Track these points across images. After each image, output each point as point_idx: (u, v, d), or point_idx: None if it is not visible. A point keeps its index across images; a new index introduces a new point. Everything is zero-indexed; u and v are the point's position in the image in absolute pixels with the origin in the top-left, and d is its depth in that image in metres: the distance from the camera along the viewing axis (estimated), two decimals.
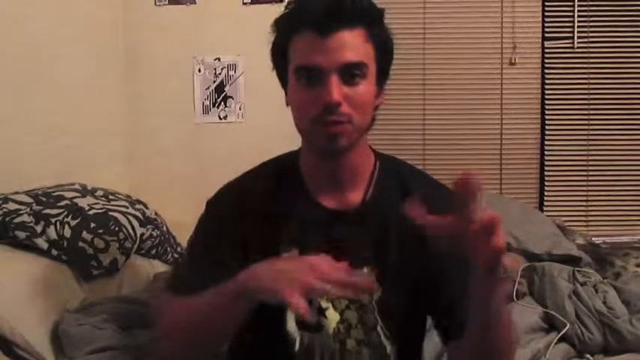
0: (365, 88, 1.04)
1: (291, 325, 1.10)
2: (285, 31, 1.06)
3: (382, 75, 1.09)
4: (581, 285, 1.81)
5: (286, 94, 1.11)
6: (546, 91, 2.77)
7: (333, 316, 1.09)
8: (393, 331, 1.10)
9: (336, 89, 1.00)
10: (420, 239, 1.02)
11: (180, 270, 1.22)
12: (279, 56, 1.08)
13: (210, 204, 1.18)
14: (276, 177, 1.15)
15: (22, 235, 1.66)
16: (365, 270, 1.09)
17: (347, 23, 1.01)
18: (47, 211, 1.74)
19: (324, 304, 1.09)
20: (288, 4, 1.07)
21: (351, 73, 1.02)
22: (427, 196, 1.05)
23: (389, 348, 1.10)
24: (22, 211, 1.70)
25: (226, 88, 2.68)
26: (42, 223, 1.70)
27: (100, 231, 1.75)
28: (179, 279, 1.17)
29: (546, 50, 2.76)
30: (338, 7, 1.00)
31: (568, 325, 1.70)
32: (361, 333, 1.09)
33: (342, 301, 1.09)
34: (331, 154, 1.07)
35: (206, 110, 2.69)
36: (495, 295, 0.91)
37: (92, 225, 1.75)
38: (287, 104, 1.11)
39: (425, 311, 1.15)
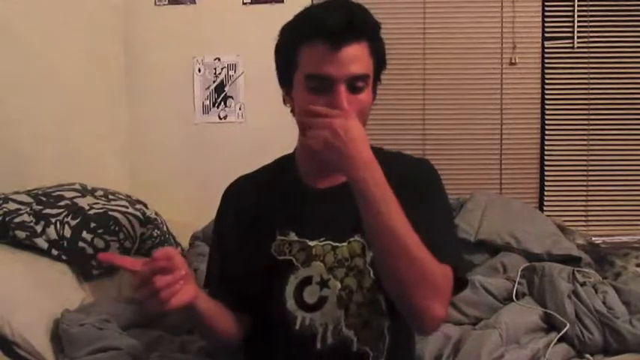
0: (366, 96, 1.15)
1: (290, 304, 1.18)
2: (295, 38, 1.15)
3: (377, 81, 1.21)
4: (581, 285, 1.81)
5: (285, 93, 1.21)
6: (546, 91, 2.77)
7: (335, 285, 1.18)
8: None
9: (345, 98, 1.10)
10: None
11: (208, 272, 1.34)
12: (286, 59, 1.18)
13: (222, 197, 1.33)
14: (274, 172, 1.30)
15: (22, 234, 1.66)
16: (356, 237, 1.19)
17: (355, 37, 1.11)
18: (47, 210, 1.74)
19: (325, 275, 1.18)
20: (301, 13, 1.16)
21: (356, 83, 1.12)
22: (400, 165, 1.21)
23: (384, 304, 1.19)
24: (22, 211, 1.70)
25: (226, 88, 2.68)
26: (42, 222, 1.70)
27: (100, 231, 1.75)
28: (207, 270, 1.33)
29: (546, 50, 2.76)
30: (349, 21, 1.10)
31: (568, 325, 1.69)
32: (360, 296, 1.18)
33: (341, 270, 1.18)
34: None
35: (206, 110, 2.69)
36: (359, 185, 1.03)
37: (92, 225, 1.75)
38: (284, 102, 1.21)
39: None
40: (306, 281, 1.19)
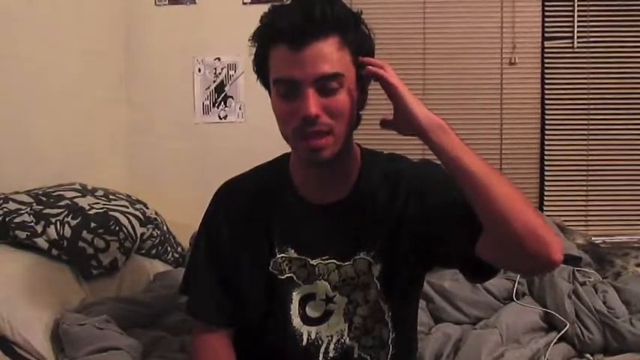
0: (343, 96, 1.04)
1: (297, 322, 1.16)
2: (261, 44, 1.08)
3: (363, 78, 1.09)
4: (581, 285, 1.81)
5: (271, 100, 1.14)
6: (546, 91, 2.77)
7: (341, 300, 1.15)
8: (393, 302, 1.17)
9: (313, 102, 1.01)
10: (406, 214, 1.12)
11: (190, 276, 1.28)
12: (260, 68, 1.11)
13: (212, 202, 1.25)
14: (268, 179, 1.21)
15: (22, 234, 1.66)
16: (362, 254, 1.14)
17: (319, 34, 1.01)
18: (47, 210, 1.74)
19: (330, 293, 1.15)
20: (262, 17, 1.08)
21: (327, 84, 1.03)
22: (407, 172, 1.16)
23: (387, 314, 1.17)
24: (22, 211, 1.70)
25: (226, 88, 2.68)
26: (42, 222, 1.70)
27: (101, 231, 1.75)
28: (191, 288, 1.26)
29: (546, 50, 2.76)
30: (308, 18, 1.01)
31: (568, 324, 1.70)
32: (366, 309, 1.16)
33: (348, 287, 1.15)
34: (316, 165, 1.11)
35: (206, 110, 2.69)
36: (447, 140, 0.99)
37: (92, 225, 1.75)
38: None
39: (443, 264, 1.22)
40: (309, 297, 1.16)
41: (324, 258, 1.15)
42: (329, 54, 1.02)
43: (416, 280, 1.24)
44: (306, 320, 1.16)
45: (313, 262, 1.15)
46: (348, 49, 1.04)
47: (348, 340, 1.16)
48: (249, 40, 1.11)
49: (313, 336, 1.16)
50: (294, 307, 1.15)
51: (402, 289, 1.18)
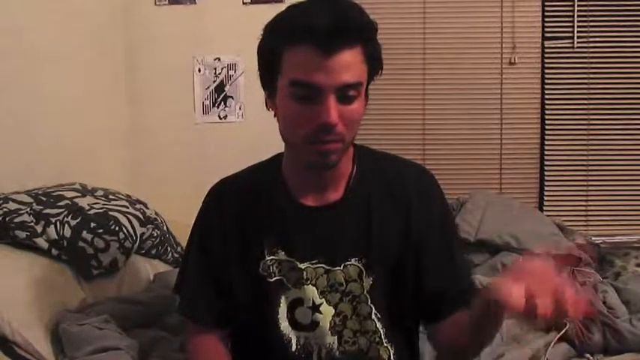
0: (358, 105, 1.03)
1: (285, 326, 1.13)
2: (281, 38, 1.02)
3: (368, 85, 1.09)
4: (581, 285, 1.81)
5: (268, 97, 1.10)
6: (546, 91, 2.77)
7: (327, 311, 1.12)
8: (387, 317, 1.14)
9: (334, 110, 0.99)
10: (401, 226, 1.13)
11: (183, 276, 1.25)
12: (269, 61, 1.05)
13: (205, 201, 1.23)
14: (260, 179, 1.19)
15: (22, 234, 1.66)
16: (353, 260, 1.12)
17: (349, 42, 0.99)
18: (47, 210, 1.74)
19: (317, 300, 1.12)
20: (285, 10, 1.04)
21: (348, 93, 1.00)
22: (401, 173, 1.16)
23: (383, 332, 1.14)
24: (22, 211, 1.70)
25: (226, 88, 2.68)
26: (42, 222, 1.70)
27: (100, 231, 1.75)
28: (183, 288, 1.24)
29: (546, 50, 2.76)
30: (343, 25, 0.97)
31: (568, 324, 1.70)
32: (356, 323, 1.13)
33: (335, 295, 1.12)
34: (320, 169, 1.09)
35: (206, 110, 2.69)
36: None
37: (92, 225, 1.75)
38: (267, 107, 1.11)
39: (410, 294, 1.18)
40: (298, 302, 1.13)
41: (312, 262, 1.12)
42: (354, 63, 1.00)
43: (409, 300, 1.18)
44: (295, 326, 1.13)
45: (301, 266, 1.12)
46: (366, 60, 1.03)
47: (337, 353, 1.13)
48: (263, 30, 1.06)
49: (302, 342, 1.13)
50: (282, 311, 1.13)
51: (397, 306, 1.15)
